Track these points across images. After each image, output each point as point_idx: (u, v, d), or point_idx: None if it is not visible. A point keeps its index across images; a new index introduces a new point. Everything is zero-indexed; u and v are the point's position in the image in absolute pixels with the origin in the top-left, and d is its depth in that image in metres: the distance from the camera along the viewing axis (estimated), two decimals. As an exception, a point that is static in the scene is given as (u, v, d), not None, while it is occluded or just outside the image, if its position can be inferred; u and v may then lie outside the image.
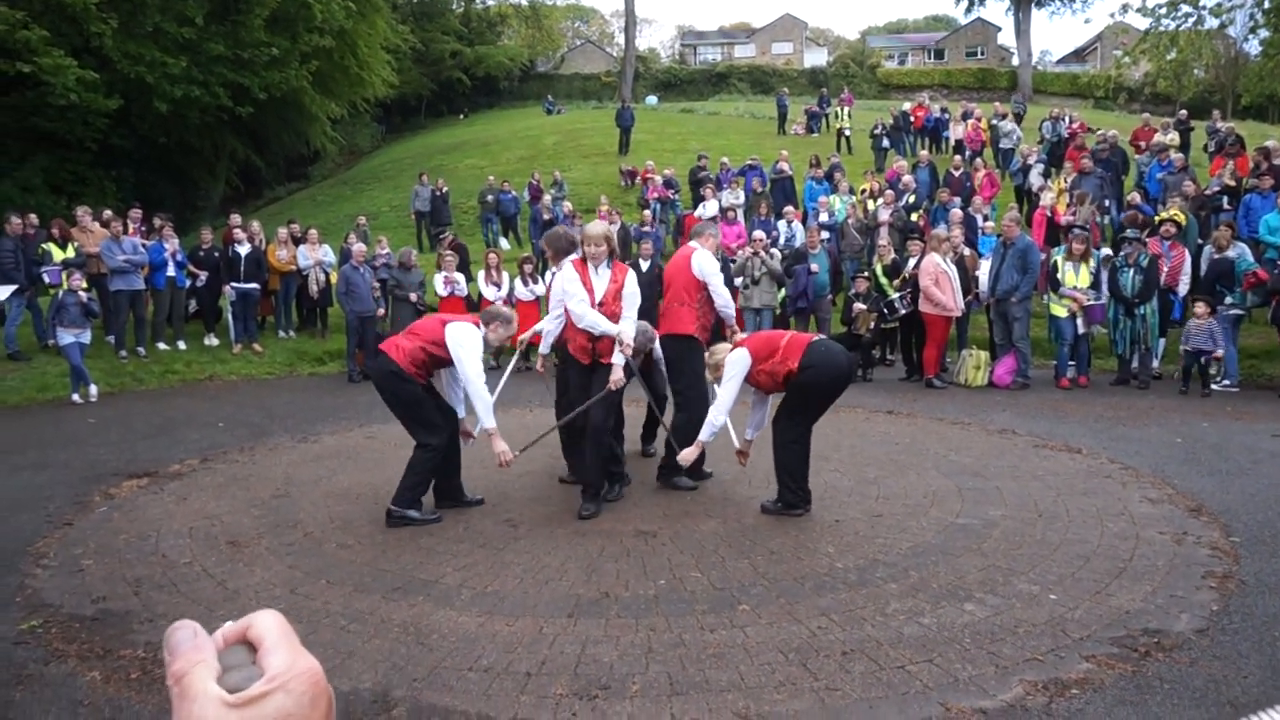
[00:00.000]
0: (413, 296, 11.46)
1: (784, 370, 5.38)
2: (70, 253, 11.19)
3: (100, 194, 21.30)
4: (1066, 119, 18.56)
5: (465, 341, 5.35)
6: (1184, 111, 17.37)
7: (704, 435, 5.61)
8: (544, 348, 6.35)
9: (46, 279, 10.61)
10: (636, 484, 6.19)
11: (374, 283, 11.47)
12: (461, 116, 45.22)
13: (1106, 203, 12.98)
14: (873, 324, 10.68)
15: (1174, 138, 15.78)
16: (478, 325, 5.52)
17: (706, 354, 5.96)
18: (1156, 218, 10.91)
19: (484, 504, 5.73)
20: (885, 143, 21.27)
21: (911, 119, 22.35)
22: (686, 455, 5.69)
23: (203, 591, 4.34)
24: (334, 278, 12.68)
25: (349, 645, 3.72)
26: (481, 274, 11.95)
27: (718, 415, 5.54)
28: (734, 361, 5.50)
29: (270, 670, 0.59)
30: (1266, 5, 17.92)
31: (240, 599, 4.23)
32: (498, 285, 11.88)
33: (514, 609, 4.07)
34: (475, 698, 3.29)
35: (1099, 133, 16.32)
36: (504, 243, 18.63)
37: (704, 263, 6.16)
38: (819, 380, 5.36)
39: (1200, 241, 10.92)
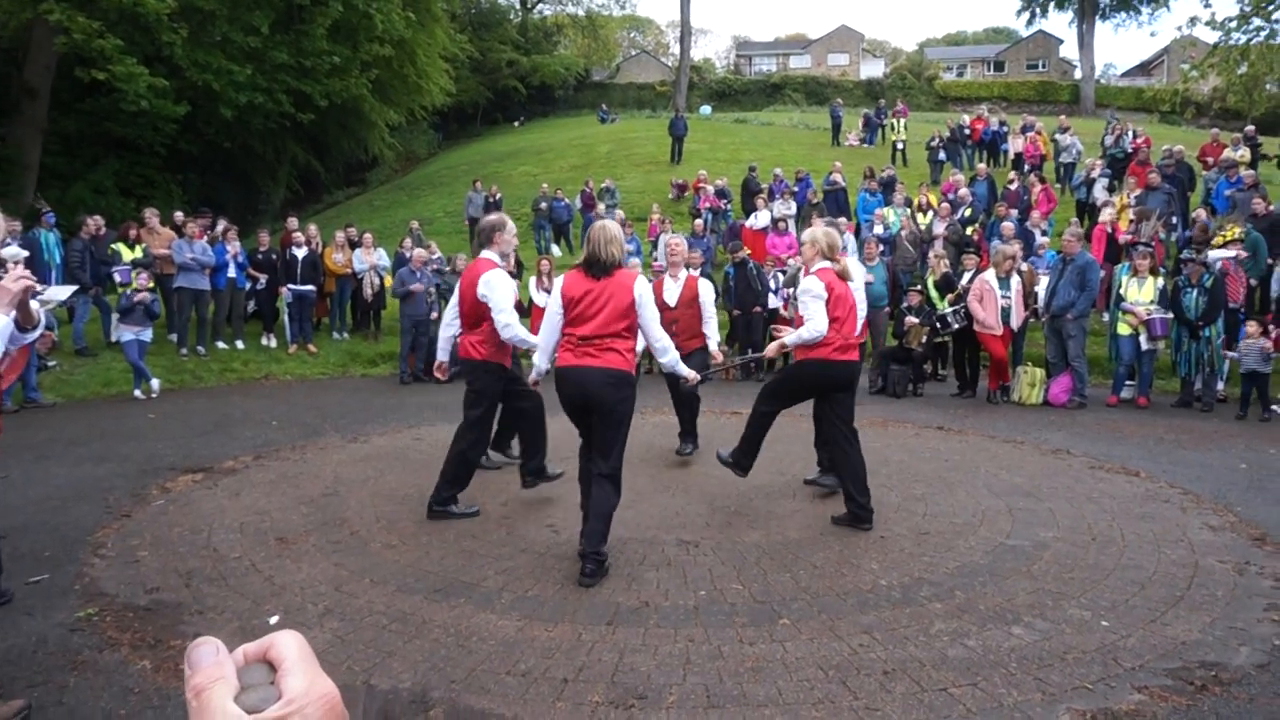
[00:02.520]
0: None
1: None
2: (138, 253, 11.55)
3: (167, 197, 21.97)
4: (1130, 133, 18.10)
5: (490, 282, 5.35)
6: (1251, 127, 16.82)
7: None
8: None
9: (117, 278, 10.96)
10: (679, 494, 6.17)
11: (429, 287, 11.64)
12: (516, 124, 45.73)
13: (1173, 220, 12.62)
14: (924, 338, 10.52)
15: (1244, 154, 15.30)
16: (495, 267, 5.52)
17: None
18: (1214, 239, 10.56)
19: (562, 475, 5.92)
20: (941, 155, 20.97)
21: (969, 131, 22.02)
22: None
23: (251, 586, 4.43)
24: (389, 281, 12.91)
25: (390, 645, 3.76)
26: (533, 280, 12.04)
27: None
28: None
29: (288, 693, 0.60)
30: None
31: (286, 594, 4.31)
32: (548, 291, 11.94)
33: (553, 614, 4.08)
34: (512, 702, 3.30)
35: (1165, 147, 15.90)
36: (556, 250, 18.77)
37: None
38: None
39: (1270, 261, 10.56)
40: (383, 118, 25.76)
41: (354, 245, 13.26)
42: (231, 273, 11.97)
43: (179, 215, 13.13)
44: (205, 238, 11.91)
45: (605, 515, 4.58)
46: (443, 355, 6.28)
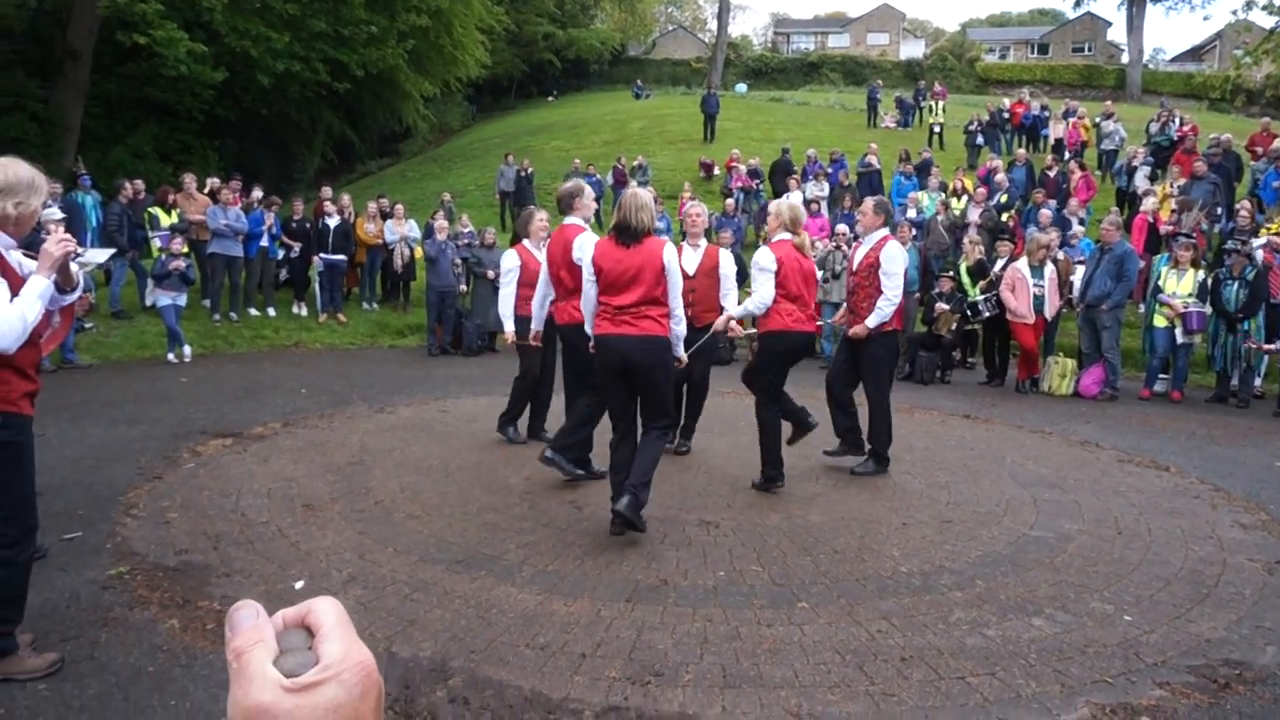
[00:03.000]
0: (490, 274, 11.61)
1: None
2: (174, 218, 11.69)
3: (204, 162, 22.19)
4: (1176, 120, 17.68)
5: (584, 244, 5.48)
6: (1305, 115, 16.37)
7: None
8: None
9: (157, 243, 11.10)
10: (701, 474, 6.18)
11: (455, 259, 11.68)
12: (550, 98, 45.56)
13: (1218, 210, 12.34)
14: (954, 325, 10.41)
15: (1294, 144, 14.87)
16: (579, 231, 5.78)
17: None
18: (1263, 230, 10.32)
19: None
20: (980, 139, 20.64)
21: (1009, 115, 21.63)
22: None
23: (276, 551, 4.51)
24: (419, 253, 12.97)
25: (412, 613, 3.82)
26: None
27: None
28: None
29: (325, 658, 0.60)
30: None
31: (311, 560, 4.38)
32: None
33: (573, 590, 4.11)
34: (530, 674, 3.34)
35: (1211, 136, 15.51)
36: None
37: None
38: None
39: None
40: (418, 89, 25.76)
41: (386, 216, 13.33)
42: (264, 242, 12.08)
43: (214, 181, 13.25)
44: (240, 204, 12.03)
45: (656, 456, 4.85)
46: (509, 324, 6.65)
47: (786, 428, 5.96)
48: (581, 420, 5.71)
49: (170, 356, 9.95)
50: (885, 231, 6.26)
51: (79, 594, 3.94)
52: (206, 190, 12.67)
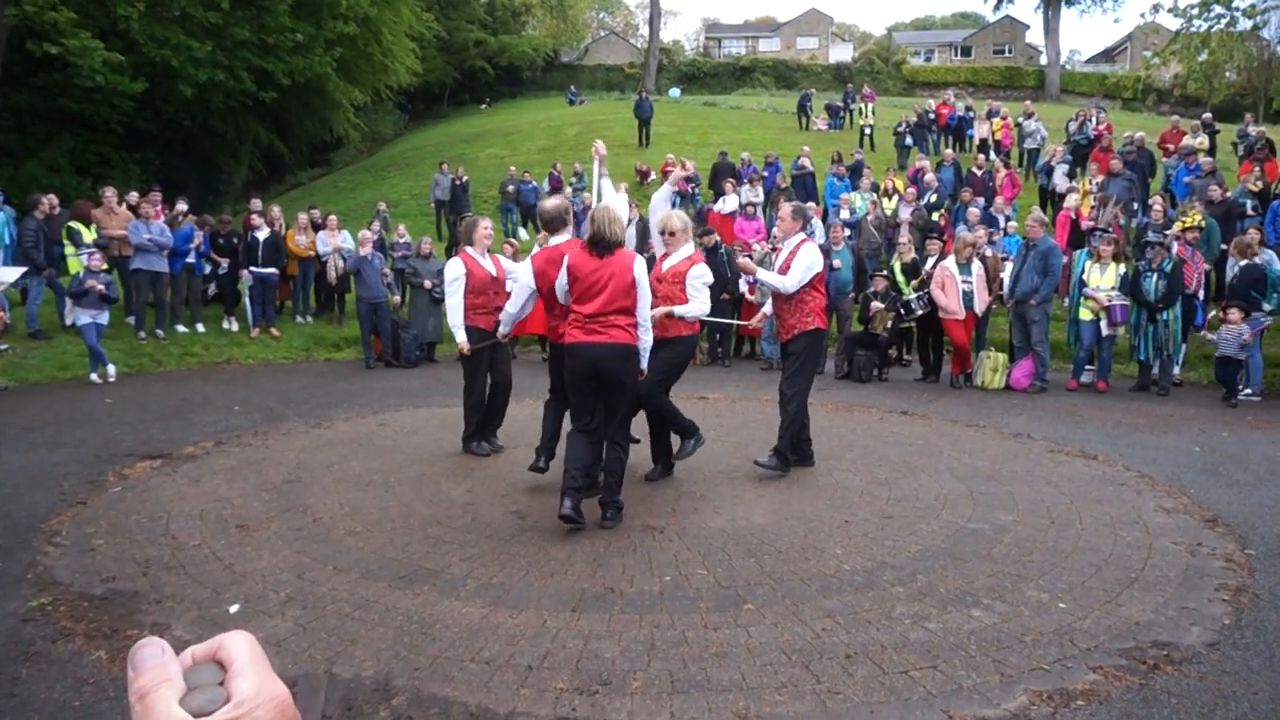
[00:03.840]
0: (427, 284, 11.47)
1: None
2: (95, 234, 11.27)
3: (124, 176, 21.49)
4: (1094, 119, 18.33)
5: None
6: (1209, 114, 17.09)
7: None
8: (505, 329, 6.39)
9: (82, 259, 10.68)
10: (643, 480, 6.18)
11: (385, 270, 11.50)
12: (484, 106, 45.24)
13: (1134, 205, 12.81)
14: (889, 323, 10.60)
15: (1203, 141, 15.55)
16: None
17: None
18: (1176, 224, 10.75)
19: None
20: (909, 140, 21.09)
21: (935, 117, 22.16)
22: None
23: (210, 574, 4.37)
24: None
25: (353, 632, 3.73)
26: None
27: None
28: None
29: (238, 694, 0.58)
30: (1302, 8, 17.60)
31: (247, 582, 4.26)
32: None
33: (518, 601, 4.07)
34: (476, 689, 3.29)
35: (1126, 134, 16.11)
36: (523, 233, 18.64)
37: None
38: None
39: (1224, 247, 10.76)
40: (347, 97, 25.36)
41: (317, 227, 13.07)
42: (191, 259, 11.72)
43: (133, 195, 12.83)
44: (164, 218, 11.66)
45: (622, 468, 5.24)
46: (460, 334, 6.61)
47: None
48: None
49: (93, 377, 9.59)
50: (803, 235, 6.39)
51: (-2, 629, 3.76)
52: (126, 205, 12.25)
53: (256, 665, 0.59)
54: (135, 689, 0.57)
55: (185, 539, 4.86)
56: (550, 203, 6.01)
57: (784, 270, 6.26)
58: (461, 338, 6.56)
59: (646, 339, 5.20)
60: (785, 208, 6.55)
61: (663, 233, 5.91)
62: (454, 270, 6.61)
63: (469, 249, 6.75)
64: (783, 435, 6.24)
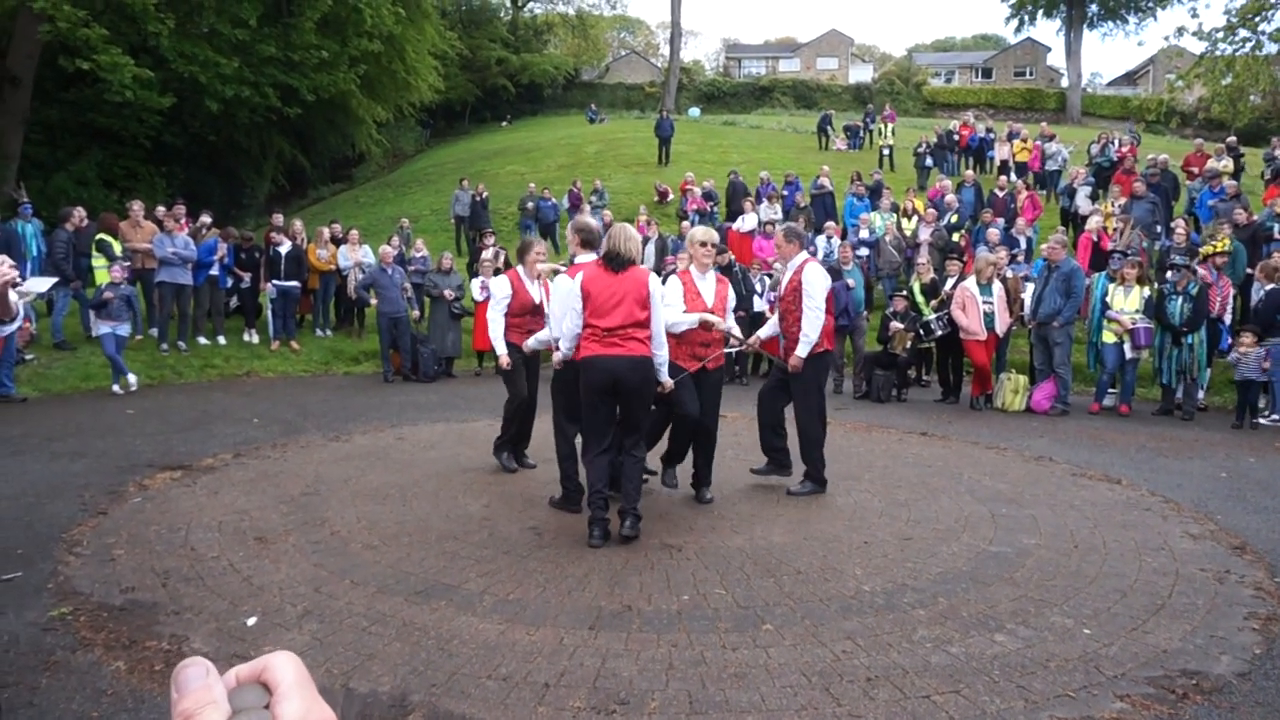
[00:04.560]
0: (448, 294, 11.51)
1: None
2: (122, 247, 11.40)
3: (151, 189, 21.81)
4: (1116, 142, 18.25)
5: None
6: (1233, 137, 16.98)
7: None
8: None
9: (112, 273, 10.79)
10: (663, 497, 6.15)
11: (405, 284, 11.57)
12: (504, 123, 45.60)
13: (1157, 228, 12.72)
14: (909, 343, 10.55)
15: (1227, 164, 15.43)
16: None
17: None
18: (1201, 249, 10.65)
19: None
20: (929, 161, 21.08)
21: (957, 137, 22.13)
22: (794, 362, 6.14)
23: (228, 586, 4.37)
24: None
25: (370, 647, 3.72)
26: None
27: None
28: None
29: (284, 719, 0.56)
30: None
31: (265, 595, 4.26)
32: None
33: (535, 618, 4.05)
34: (493, 706, 3.27)
35: (1150, 156, 16.02)
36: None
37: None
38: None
39: (1249, 271, 10.65)
40: (370, 114, 25.66)
41: (338, 241, 13.18)
42: (214, 271, 11.83)
43: (160, 209, 12.99)
44: (188, 230, 11.79)
45: (641, 476, 5.35)
46: (501, 347, 6.57)
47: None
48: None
49: (115, 387, 9.67)
50: (805, 255, 6.30)
51: (18, 637, 3.77)
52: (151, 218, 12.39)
53: (302, 689, 0.58)
54: (179, 711, 0.56)
55: (204, 550, 4.87)
56: (590, 219, 6.07)
57: (791, 290, 6.20)
58: (502, 350, 6.52)
59: (662, 354, 5.25)
60: (778, 233, 6.45)
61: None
62: (501, 289, 6.58)
63: (520, 269, 6.71)
64: (808, 459, 6.22)
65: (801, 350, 6.09)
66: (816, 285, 6.09)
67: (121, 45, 18.10)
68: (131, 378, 9.77)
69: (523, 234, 19.11)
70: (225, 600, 4.20)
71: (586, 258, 5.65)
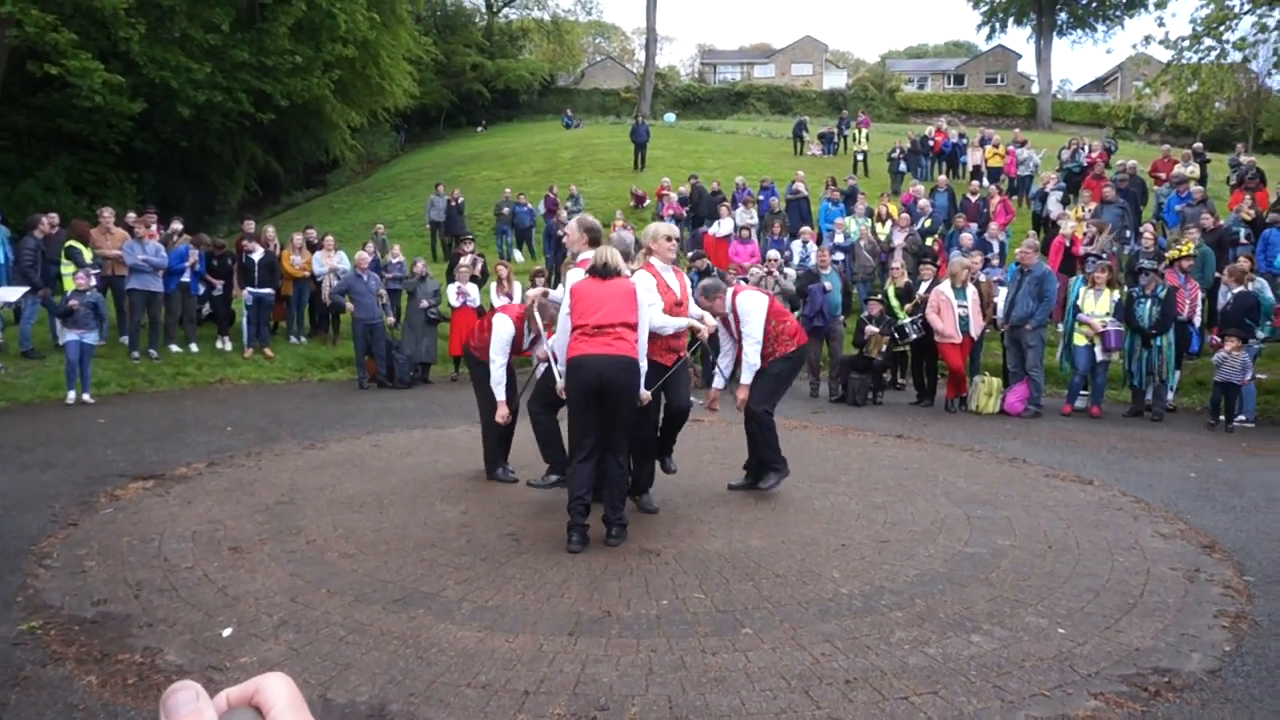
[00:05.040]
0: (424, 303, 11.47)
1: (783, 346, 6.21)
2: (92, 254, 11.24)
3: (120, 195, 21.54)
4: (1086, 148, 18.51)
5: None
6: (1199, 144, 17.31)
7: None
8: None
9: (90, 281, 10.63)
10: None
11: (380, 290, 11.51)
12: (480, 128, 45.49)
13: (1127, 233, 12.91)
14: (884, 347, 10.63)
15: (1194, 170, 15.69)
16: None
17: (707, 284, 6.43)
18: (1168, 253, 10.82)
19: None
20: (902, 166, 21.27)
21: (931, 143, 22.35)
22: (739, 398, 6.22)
23: (203, 597, 4.32)
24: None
25: (347, 656, 3.69)
26: (493, 285, 11.94)
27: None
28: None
29: None
30: (1290, 40, 17.86)
31: (240, 605, 4.21)
32: (509, 297, 11.87)
33: (514, 625, 4.03)
34: (472, 714, 3.25)
35: (1119, 162, 16.26)
36: (518, 255, 18.69)
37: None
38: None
39: (1217, 275, 10.84)
40: (344, 119, 25.50)
41: (313, 247, 13.08)
42: (186, 278, 11.69)
43: (131, 216, 12.84)
44: (158, 238, 11.64)
45: (625, 484, 5.31)
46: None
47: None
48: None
49: (70, 395, 9.39)
50: (730, 290, 6.42)
51: (-14, 652, 3.71)
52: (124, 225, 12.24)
53: (296, 711, 0.57)
54: None
55: (177, 561, 4.81)
56: (592, 218, 6.15)
57: (733, 327, 6.29)
58: (501, 397, 6.34)
59: (643, 364, 5.30)
60: (700, 296, 6.35)
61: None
62: (504, 329, 6.42)
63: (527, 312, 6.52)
64: (764, 451, 6.27)
65: (745, 377, 6.16)
66: (750, 311, 6.17)
67: (91, 50, 17.88)
68: (86, 395, 9.48)
69: (499, 239, 19.07)
70: (200, 611, 4.15)
71: (589, 256, 5.72)
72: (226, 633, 3.91)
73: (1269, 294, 9.69)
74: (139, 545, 5.06)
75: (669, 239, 6.00)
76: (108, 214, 11.85)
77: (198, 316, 12.31)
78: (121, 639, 3.85)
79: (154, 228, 11.79)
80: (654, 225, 6.36)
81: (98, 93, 17.75)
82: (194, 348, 12.00)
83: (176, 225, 12.55)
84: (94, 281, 9.84)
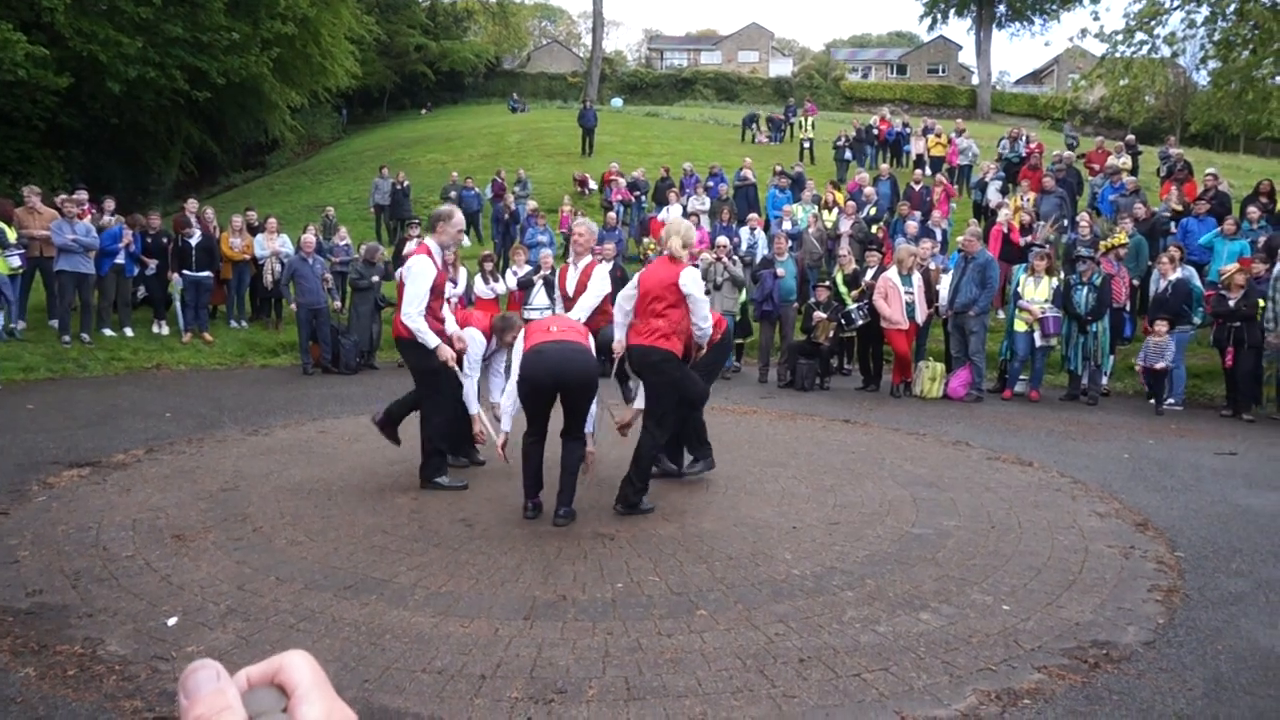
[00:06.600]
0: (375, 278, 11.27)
1: None
2: (16, 234, 10.79)
3: (47, 174, 20.69)
4: (1024, 139, 18.93)
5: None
6: (1131, 135, 17.83)
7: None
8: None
9: (15, 261, 10.19)
10: (593, 486, 6.14)
11: (325, 274, 11.28)
12: (424, 110, 44.76)
13: (1065, 222, 13.26)
14: (831, 333, 10.77)
15: (1126, 161, 16.18)
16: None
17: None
18: (1103, 243, 11.14)
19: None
20: (848, 154, 21.51)
21: (876, 132, 22.64)
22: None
23: (145, 586, 4.20)
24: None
25: (298, 644, 3.60)
26: (477, 275, 11.73)
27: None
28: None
29: None
30: (1216, 38, 18.43)
31: (185, 594, 4.11)
32: (454, 282, 11.66)
33: (469, 610, 4.01)
34: (428, 700, 3.23)
35: (1055, 153, 16.68)
36: (465, 240, 18.44)
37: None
38: None
39: (1150, 263, 11.20)
40: (284, 98, 24.83)
41: (253, 230, 12.74)
42: (120, 260, 11.29)
43: (61, 196, 12.35)
44: (89, 218, 11.22)
45: (579, 468, 5.37)
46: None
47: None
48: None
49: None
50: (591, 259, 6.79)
51: (-85, 646, 3.56)
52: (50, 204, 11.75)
53: (321, 689, 0.56)
54: (193, 718, 0.53)
55: (117, 550, 4.67)
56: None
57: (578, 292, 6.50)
58: (436, 341, 6.25)
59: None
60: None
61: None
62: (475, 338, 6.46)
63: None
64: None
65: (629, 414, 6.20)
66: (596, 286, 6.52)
67: (12, 21, 17.09)
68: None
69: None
70: (143, 600, 4.03)
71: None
72: (172, 622, 3.81)
73: (1197, 281, 10.06)
74: (75, 534, 4.90)
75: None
76: (34, 193, 11.36)
77: (132, 300, 11.91)
78: (59, 630, 3.73)
79: (86, 207, 11.35)
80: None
81: (20, 66, 16.98)
82: (129, 332, 11.62)
83: (109, 205, 12.10)
84: (20, 263, 9.45)
